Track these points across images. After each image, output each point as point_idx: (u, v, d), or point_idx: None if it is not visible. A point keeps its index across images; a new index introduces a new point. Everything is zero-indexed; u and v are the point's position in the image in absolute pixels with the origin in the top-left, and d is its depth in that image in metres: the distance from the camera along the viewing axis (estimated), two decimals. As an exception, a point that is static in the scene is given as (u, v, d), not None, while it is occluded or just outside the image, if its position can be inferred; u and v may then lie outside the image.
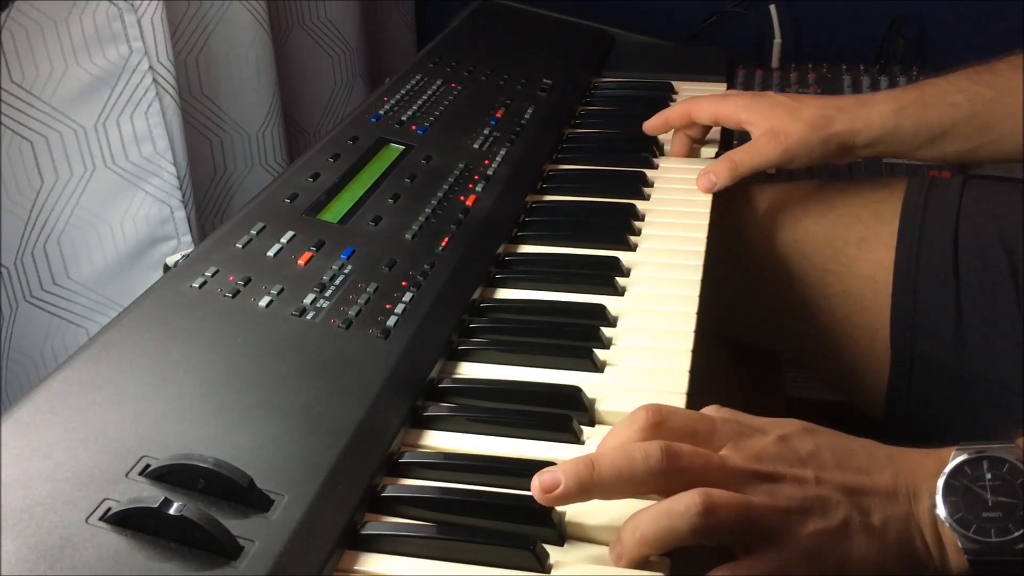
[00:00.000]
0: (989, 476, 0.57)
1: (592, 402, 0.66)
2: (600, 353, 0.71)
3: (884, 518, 0.57)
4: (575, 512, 0.56)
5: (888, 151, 0.95)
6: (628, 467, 0.54)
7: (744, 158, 0.94)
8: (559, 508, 0.56)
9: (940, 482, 0.57)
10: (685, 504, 0.52)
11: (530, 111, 1.08)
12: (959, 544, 0.56)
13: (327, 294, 0.71)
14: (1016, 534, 0.55)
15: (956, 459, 0.58)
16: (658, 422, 0.57)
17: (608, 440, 0.58)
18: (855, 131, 0.92)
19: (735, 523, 0.53)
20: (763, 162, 0.94)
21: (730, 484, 0.55)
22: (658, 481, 0.54)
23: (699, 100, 1.01)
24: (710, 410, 0.61)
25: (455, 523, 0.56)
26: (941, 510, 0.57)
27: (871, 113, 0.92)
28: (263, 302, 0.68)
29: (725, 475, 0.55)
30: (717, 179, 0.94)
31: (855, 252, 0.97)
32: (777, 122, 0.93)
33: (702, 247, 0.86)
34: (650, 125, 1.04)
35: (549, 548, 0.54)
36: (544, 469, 0.55)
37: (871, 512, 0.57)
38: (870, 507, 0.57)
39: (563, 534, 0.56)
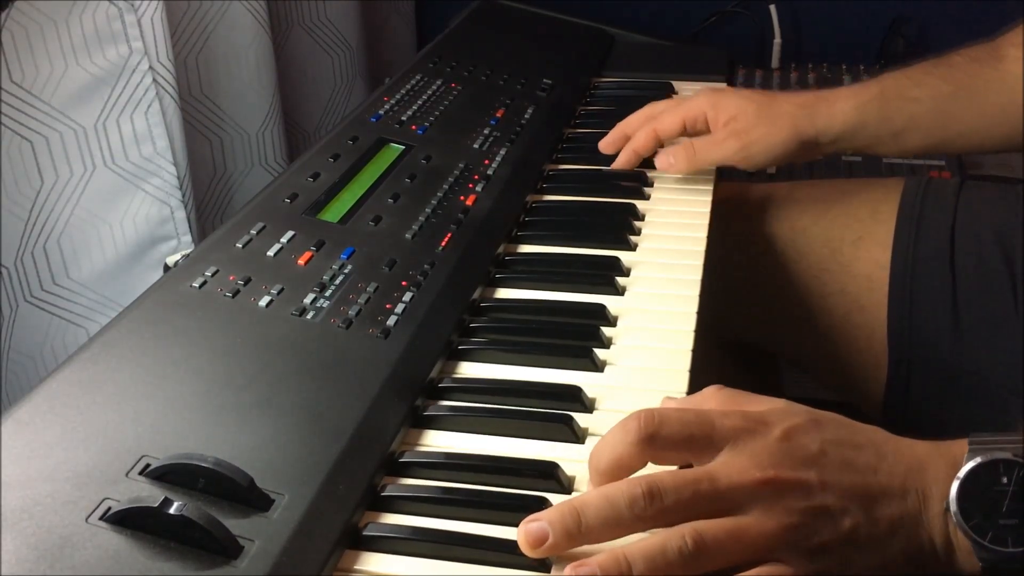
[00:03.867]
0: (1005, 480, 0.54)
1: (592, 402, 0.66)
2: (600, 353, 0.71)
3: (892, 524, 0.54)
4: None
5: (852, 147, 0.96)
6: (614, 515, 0.52)
7: (703, 148, 0.94)
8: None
9: (955, 486, 0.55)
10: (677, 543, 0.51)
11: (530, 111, 1.08)
12: (973, 551, 0.54)
13: (327, 294, 0.71)
14: None
15: (970, 463, 0.55)
16: (651, 434, 0.54)
17: (599, 450, 0.56)
18: (819, 130, 0.93)
19: (729, 550, 0.52)
20: (722, 157, 0.94)
21: (725, 505, 0.53)
22: (647, 524, 0.53)
23: (660, 116, 0.97)
24: (710, 391, 0.60)
25: (455, 522, 0.56)
26: (956, 515, 0.54)
27: (833, 111, 0.93)
28: (263, 302, 0.68)
29: (718, 497, 0.53)
30: (676, 163, 0.95)
31: (852, 251, 0.97)
32: (742, 119, 0.93)
33: (702, 247, 0.86)
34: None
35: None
36: (529, 517, 0.53)
37: (878, 519, 0.54)
38: (878, 513, 0.54)
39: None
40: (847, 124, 0.92)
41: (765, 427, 0.56)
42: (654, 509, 0.52)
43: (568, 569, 0.51)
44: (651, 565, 0.50)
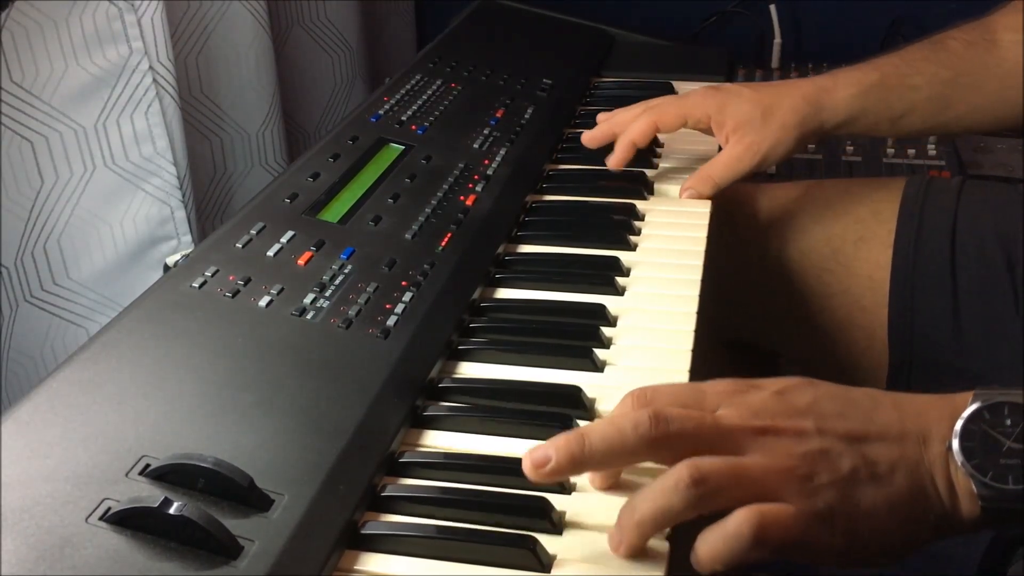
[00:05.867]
0: (1008, 422, 0.55)
1: (592, 402, 0.66)
2: (600, 353, 0.71)
3: (891, 464, 0.55)
4: (574, 513, 0.57)
5: (853, 132, 0.97)
6: (618, 438, 0.53)
7: (722, 172, 0.94)
8: (559, 507, 0.56)
9: (958, 426, 0.56)
10: (675, 479, 0.52)
11: (530, 111, 1.08)
12: (974, 490, 0.55)
13: (327, 294, 0.71)
14: None
15: (975, 404, 0.56)
16: (644, 404, 0.57)
17: (596, 429, 0.57)
18: (823, 120, 0.94)
19: (730, 488, 0.52)
20: (741, 174, 0.94)
21: (725, 444, 0.54)
22: (650, 449, 0.54)
23: (661, 109, 0.96)
24: (708, 383, 0.61)
25: (455, 522, 0.56)
26: (958, 454, 0.55)
27: (836, 100, 0.94)
28: (263, 302, 0.68)
29: (719, 435, 0.54)
30: (701, 192, 0.94)
31: (853, 252, 0.97)
32: (749, 128, 0.93)
33: (702, 247, 0.86)
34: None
35: (548, 539, 0.54)
36: (534, 447, 0.54)
37: (877, 460, 0.55)
38: (876, 454, 0.55)
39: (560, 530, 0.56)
40: (850, 112, 0.94)
41: (758, 387, 0.58)
42: (658, 432, 0.53)
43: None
44: (654, 504, 0.52)
